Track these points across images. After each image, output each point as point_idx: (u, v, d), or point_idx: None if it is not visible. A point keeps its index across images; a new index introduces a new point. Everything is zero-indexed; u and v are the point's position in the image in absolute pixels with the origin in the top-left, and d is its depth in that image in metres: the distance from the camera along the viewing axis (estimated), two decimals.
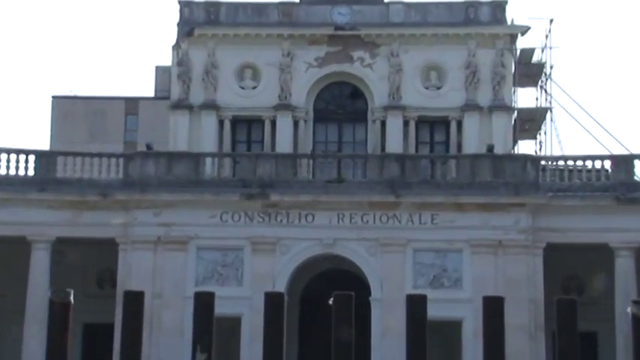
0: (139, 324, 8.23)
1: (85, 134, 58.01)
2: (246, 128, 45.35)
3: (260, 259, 36.51)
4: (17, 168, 37.40)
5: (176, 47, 44.92)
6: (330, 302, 7.97)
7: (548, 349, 35.09)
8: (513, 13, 69.38)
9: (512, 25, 44.81)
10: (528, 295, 35.62)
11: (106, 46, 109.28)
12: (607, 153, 40.76)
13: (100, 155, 38.70)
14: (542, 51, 48.36)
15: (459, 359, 36.11)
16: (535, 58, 48.24)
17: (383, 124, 44.28)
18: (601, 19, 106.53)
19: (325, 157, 39.41)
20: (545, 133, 48.96)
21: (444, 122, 44.71)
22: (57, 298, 8.01)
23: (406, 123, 44.16)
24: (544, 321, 34.92)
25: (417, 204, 36.48)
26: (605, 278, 36.59)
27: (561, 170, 37.96)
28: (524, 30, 44.82)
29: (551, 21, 48.17)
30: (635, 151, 39.61)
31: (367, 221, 36.66)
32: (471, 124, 43.96)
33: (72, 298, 8.08)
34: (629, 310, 8.16)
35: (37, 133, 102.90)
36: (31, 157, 37.71)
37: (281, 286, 35.49)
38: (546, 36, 48.12)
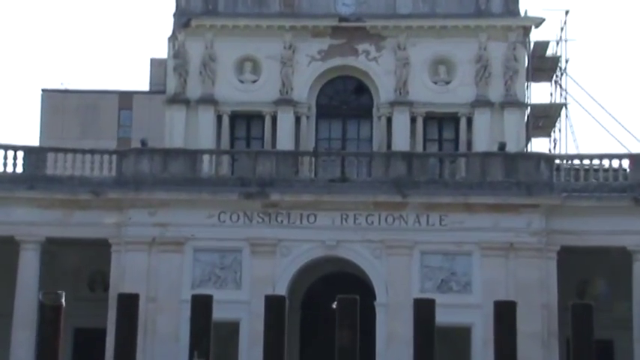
0: (134, 328, 8.36)
1: (76, 130, 58.08)
2: (245, 124, 45.04)
3: (259, 262, 36.28)
4: (5, 165, 37.17)
5: (172, 39, 44.63)
6: (334, 306, 7.90)
7: (562, 357, 35.02)
8: (527, 4, 68.95)
9: (526, 17, 44.49)
10: (541, 301, 35.38)
11: (99, 37, 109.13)
12: (625, 151, 40.41)
13: (92, 152, 38.46)
14: (557, 44, 48.07)
15: None
16: (549, 52, 47.91)
17: (389, 120, 43.98)
18: (619, 10, 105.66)
19: (328, 155, 39.14)
20: (559, 130, 48.59)
21: (453, 119, 44.38)
22: (48, 301, 8.11)
23: (413, 119, 43.91)
24: (557, 328, 34.85)
25: (425, 204, 36.26)
26: (622, 283, 36.33)
27: (576, 169, 37.71)
28: (539, 22, 44.51)
29: (567, 12, 47.84)
30: None
31: (372, 222, 36.39)
32: (482, 120, 43.64)
33: (63, 300, 8.08)
34: None
35: (25, 128, 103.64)
36: (20, 154, 37.48)
37: (281, 290, 35.25)
38: (561, 28, 47.87)
